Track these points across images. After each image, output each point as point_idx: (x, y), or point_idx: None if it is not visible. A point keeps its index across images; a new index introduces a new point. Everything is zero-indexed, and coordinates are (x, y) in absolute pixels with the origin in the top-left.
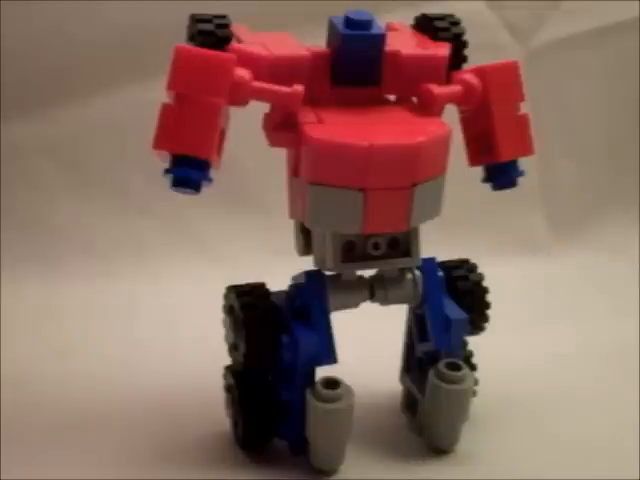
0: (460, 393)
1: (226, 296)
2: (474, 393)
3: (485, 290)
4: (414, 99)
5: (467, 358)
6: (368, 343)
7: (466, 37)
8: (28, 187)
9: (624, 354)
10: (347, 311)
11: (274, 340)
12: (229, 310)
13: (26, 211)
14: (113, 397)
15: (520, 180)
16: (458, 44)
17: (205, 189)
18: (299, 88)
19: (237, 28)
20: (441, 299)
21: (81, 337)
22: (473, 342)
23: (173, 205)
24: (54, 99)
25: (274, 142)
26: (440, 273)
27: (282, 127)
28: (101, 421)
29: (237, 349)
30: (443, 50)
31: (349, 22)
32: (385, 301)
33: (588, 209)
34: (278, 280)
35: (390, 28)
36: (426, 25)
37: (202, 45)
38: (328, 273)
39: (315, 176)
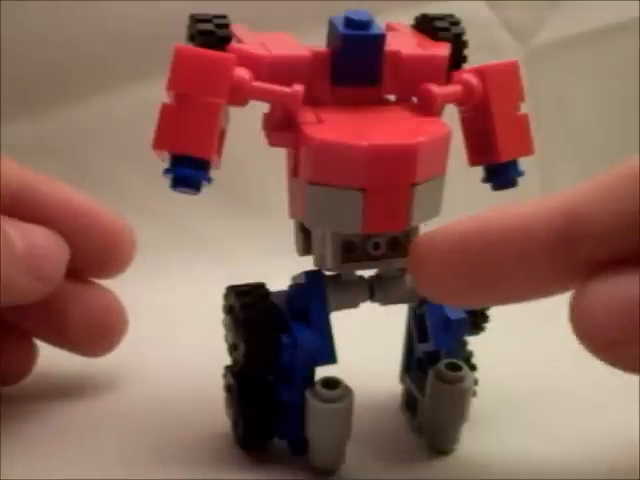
0: (460, 393)
1: (226, 296)
2: (474, 393)
3: None
4: (414, 99)
5: (467, 358)
6: (368, 343)
7: (466, 37)
8: None
9: None
10: (347, 311)
11: (274, 340)
12: (229, 310)
13: None
14: (113, 397)
15: (520, 180)
16: (458, 44)
17: (205, 189)
18: (299, 88)
19: (237, 28)
20: None
21: None
22: (473, 342)
23: (173, 205)
24: (54, 99)
25: (274, 142)
26: None
27: (282, 127)
28: (101, 421)
29: (237, 349)
30: (443, 50)
31: (349, 22)
32: (385, 301)
33: None
34: (278, 280)
35: (390, 28)
36: (426, 25)
37: (202, 45)
38: (328, 273)
39: (314, 176)
